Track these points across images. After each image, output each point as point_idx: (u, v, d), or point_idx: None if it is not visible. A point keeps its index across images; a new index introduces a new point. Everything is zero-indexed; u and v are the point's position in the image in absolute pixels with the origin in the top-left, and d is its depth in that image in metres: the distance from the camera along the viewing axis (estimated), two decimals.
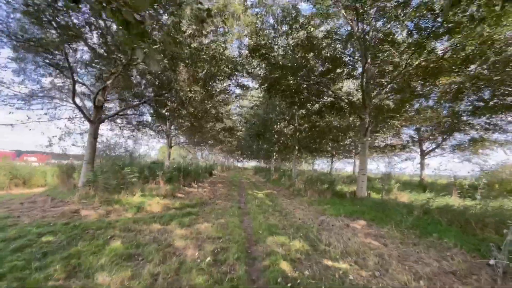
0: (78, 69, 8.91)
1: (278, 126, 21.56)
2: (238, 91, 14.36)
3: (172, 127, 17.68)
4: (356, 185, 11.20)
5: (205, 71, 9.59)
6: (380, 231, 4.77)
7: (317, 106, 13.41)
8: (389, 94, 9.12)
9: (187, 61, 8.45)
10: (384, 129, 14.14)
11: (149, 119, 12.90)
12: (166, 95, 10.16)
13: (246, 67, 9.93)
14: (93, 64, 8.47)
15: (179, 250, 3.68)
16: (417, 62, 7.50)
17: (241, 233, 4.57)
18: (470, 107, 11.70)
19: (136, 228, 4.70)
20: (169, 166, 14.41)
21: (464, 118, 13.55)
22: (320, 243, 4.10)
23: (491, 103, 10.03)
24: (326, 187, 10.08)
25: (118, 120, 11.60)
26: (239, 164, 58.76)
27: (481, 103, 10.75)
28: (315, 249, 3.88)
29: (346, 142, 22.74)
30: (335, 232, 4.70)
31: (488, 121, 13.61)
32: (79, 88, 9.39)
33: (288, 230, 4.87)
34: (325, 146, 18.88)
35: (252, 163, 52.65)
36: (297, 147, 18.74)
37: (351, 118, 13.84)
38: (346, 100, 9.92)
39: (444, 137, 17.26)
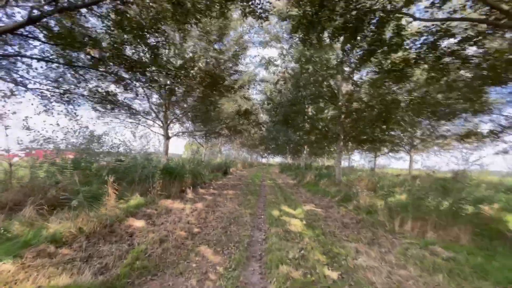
0: None
1: (312, 108, 15.90)
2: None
3: (176, 111, 13.13)
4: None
5: None
6: None
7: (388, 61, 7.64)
8: None
9: None
10: None
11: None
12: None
13: None
14: None
15: None
16: None
17: None
18: None
19: None
20: (165, 164, 9.79)
21: None
22: None
23: None
24: (447, 209, 4.42)
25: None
26: (264, 160, 54.01)
27: None
28: None
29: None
30: None
31: None
32: None
33: None
34: (385, 135, 12.88)
35: (278, 159, 47.41)
36: (342, 137, 13.04)
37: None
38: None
39: None
